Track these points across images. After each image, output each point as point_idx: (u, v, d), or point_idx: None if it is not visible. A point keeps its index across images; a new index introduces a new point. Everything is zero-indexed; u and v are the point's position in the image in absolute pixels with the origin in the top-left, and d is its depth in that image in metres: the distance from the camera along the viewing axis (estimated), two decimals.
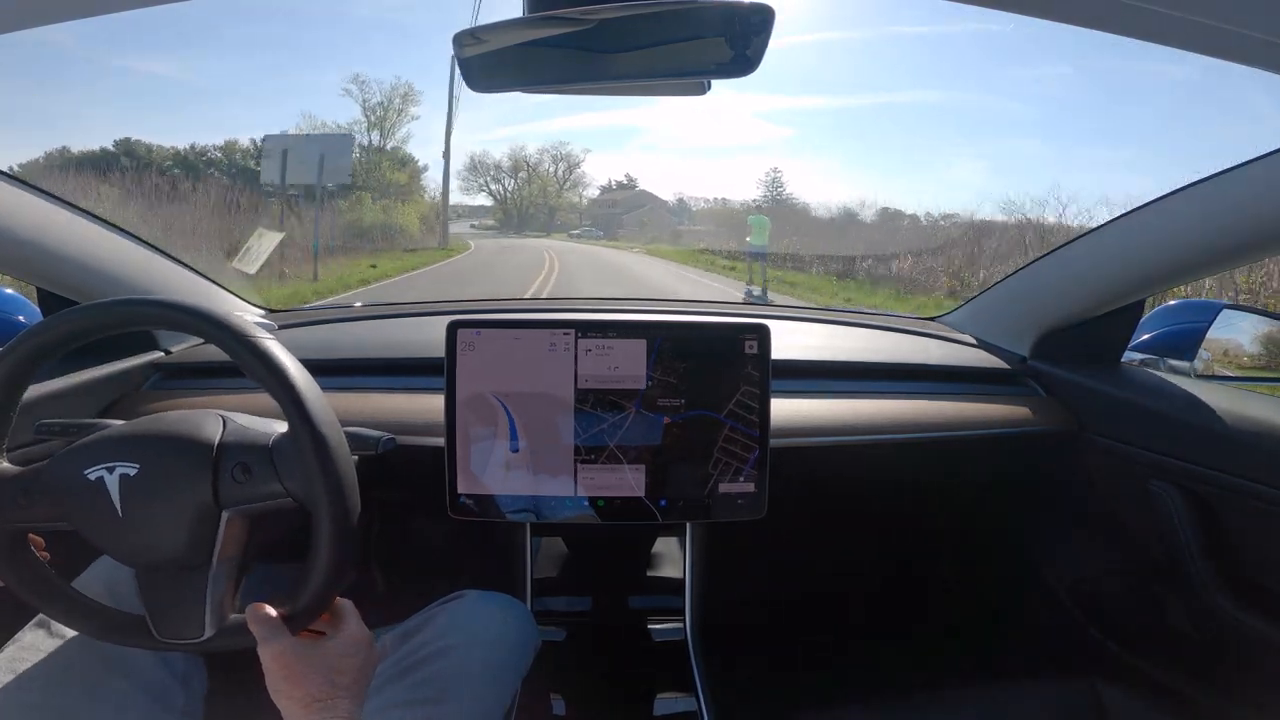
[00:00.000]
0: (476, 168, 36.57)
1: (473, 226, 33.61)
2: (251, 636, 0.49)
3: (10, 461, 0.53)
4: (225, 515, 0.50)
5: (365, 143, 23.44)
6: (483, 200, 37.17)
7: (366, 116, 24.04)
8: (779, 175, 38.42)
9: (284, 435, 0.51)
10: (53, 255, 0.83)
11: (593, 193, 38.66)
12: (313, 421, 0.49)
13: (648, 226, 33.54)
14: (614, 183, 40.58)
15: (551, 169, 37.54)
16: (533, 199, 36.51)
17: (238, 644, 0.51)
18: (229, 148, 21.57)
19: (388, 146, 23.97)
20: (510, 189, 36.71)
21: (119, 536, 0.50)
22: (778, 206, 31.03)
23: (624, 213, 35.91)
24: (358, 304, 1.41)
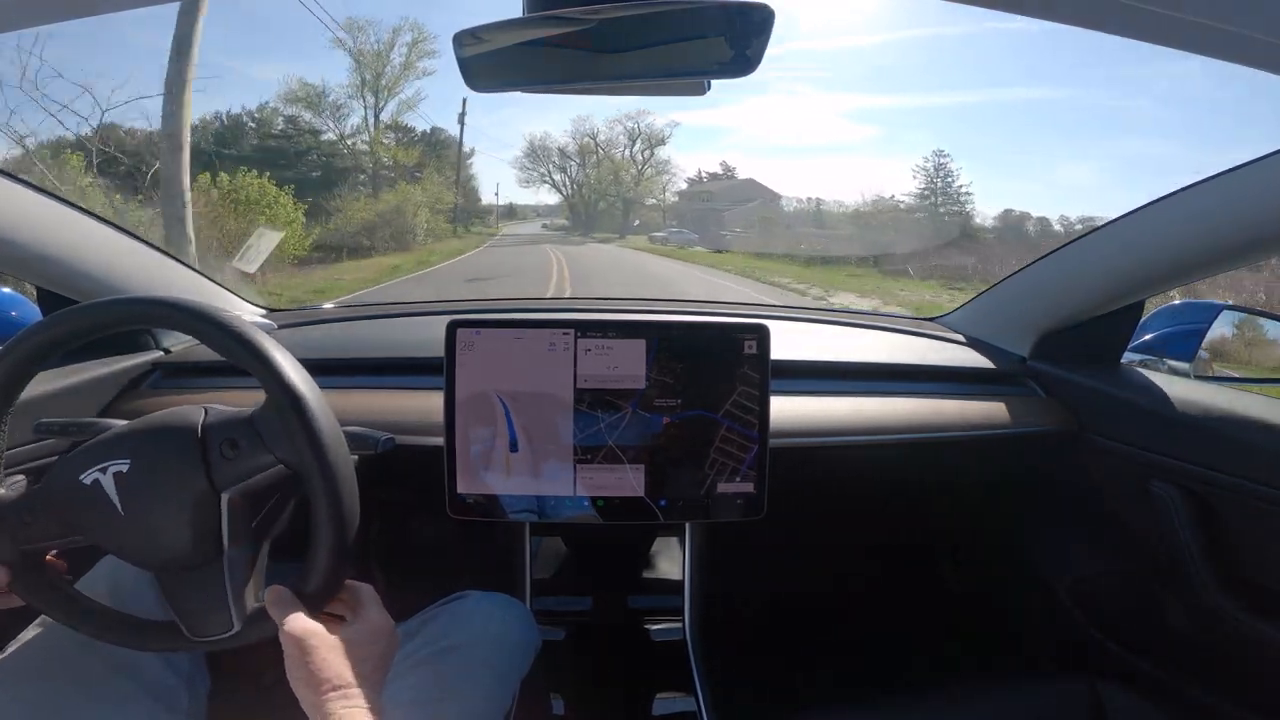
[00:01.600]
0: (537, 154, 27.72)
1: (544, 227, 27.79)
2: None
3: (10, 463, 0.53)
4: (224, 498, 0.50)
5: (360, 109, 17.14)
6: (545, 195, 29.27)
7: (360, 73, 17.03)
8: (944, 160, 22.04)
9: (264, 405, 0.52)
10: (51, 254, 0.83)
11: (679, 185, 28.58)
12: (288, 384, 0.49)
13: (771, 225, 22.73)
14: (704, 174, 29.63)
15: (626, 150, 27.45)
16: (603, 189, 27.11)
17: (268, 632, 0.50)
18: (203, 127, 16.13)
19: (384, 111, 17.25)
20: (578, 178, 27.64)
21: (126, 536, 0.50)
22: (946, 204, 21.46)
23: (725, 208, 25.49)
24: (357, 304, 1.41)
